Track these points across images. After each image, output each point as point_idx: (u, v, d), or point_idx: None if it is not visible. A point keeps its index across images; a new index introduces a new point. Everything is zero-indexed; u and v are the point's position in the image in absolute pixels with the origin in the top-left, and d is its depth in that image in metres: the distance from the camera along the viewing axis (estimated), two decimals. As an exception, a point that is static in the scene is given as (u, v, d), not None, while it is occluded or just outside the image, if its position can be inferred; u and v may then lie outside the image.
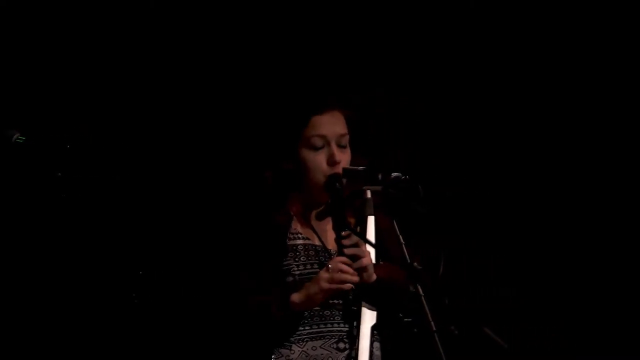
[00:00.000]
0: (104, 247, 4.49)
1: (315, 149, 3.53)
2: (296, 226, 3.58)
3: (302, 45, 4.80)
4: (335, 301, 3.48)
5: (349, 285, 3.37)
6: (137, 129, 4.65)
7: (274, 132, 3.65)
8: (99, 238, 4.48)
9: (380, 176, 3.40)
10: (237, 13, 4.75)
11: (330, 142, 3.53)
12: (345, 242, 3.39)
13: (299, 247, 3.54)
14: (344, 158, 3.53)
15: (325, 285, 3.35)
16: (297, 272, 3.49)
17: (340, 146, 3.54)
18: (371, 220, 3.48)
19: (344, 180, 3.49)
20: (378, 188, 3.41)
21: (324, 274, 3.37)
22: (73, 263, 4.47)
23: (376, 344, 3.52)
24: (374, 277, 3.44)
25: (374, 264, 3.47)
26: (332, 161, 3.51)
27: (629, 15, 4.92)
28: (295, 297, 3.40)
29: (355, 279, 3.37)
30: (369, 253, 3.42)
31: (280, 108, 3.76)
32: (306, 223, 3.59)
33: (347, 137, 3.57)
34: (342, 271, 3.36)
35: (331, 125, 3.55)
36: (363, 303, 3.43)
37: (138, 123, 4.65)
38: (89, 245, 4.47)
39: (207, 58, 4.72)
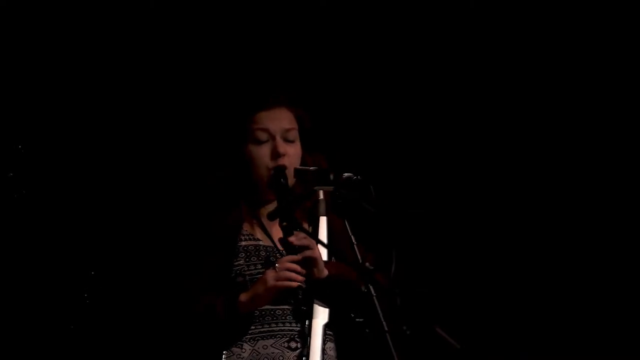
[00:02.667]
0: (55, 248, 4.48)
1: (259, 142, 3.53)
2: (247, 228, 3.57)
3: (250, 42, 4.81)
4: (287, 305, 3.47)
5: (295, 283, 3.35)
6: (88, 129, 4.64)
7: (220, 130, 3.65)
8: (51, 238, 4.48)
9: (332, 176, 3.40)
10: (185, 10, 4.75)
11: (274, 135, 3.53)
12: (292, 239, 3.38)
13: (250, 248, 3.53)
14: (290, 152, 3.53)
15: (271, 283, 3.34)
16: (248, 273, 3.48)
17: (287, 141, 3.55)
18: (323, 221, 3.48)
19: (293, 179, 3.49)
20: (330, 188, 3.41)
21: (270, 273, 3.36)
22: (24, 263, 4.46)
23: (330, 344, 3.51)
24: (325, 272, 3.43)
25: (326, 262, 3.46)
26: (275, 154, 3.51)
27: (629, 15, 4.93)
28: (243, 296, 3.39)
29: (301, 278, 3.36)
30: (317, 247, 3.41)
31: (226, 105, 3.75)
32: (257, 224, 3.58)
33: (295, 131, 3.57)
34: (288, 269, 3.35)
35: (276, 120, 3.56)
36: (315, 301, 3.43)
37: (89, 123, 4.65)
38: (40, 245, 4.46)
39: (157, 58, 4.73)
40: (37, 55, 4.56)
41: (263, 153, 3.52)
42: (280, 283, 3.35)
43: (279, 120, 3.56)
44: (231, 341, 3.44)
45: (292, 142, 3.55)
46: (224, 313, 3.37)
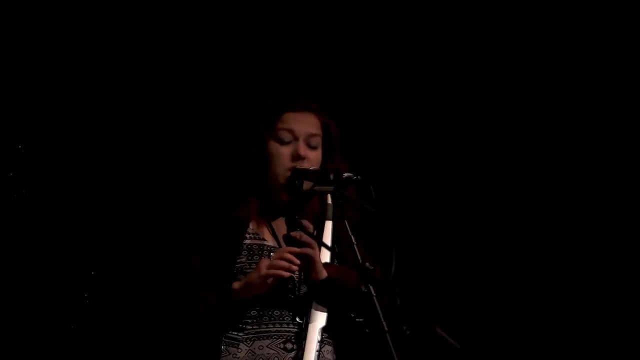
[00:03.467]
0: (55, 248, 4.48)
1: (282, 142, 3.54)
2: (253, 227, 3.57)
3: (290, 46, 4.84)
4: (285, 306, 3.48)
5: (287, 273, 3.35)
6: (88, 129, 4.65)
7: (242, 125, 3.64)
8: (51, 238, 4.48)
9: (332, 176, 3.42)
10: (211, 9, 4.76)
11: (298, 138, 3.54)
12: (295, 233, 3.38)
13: (254, 246, 3.53)
14: (311, 157, 3.53)
15: (263, 270, 3.34)
16: (249, 271, 3.46)
17: (310, 146, 3.55)
18: (329, 225, 3.48)
19: (309, 183, 3.49)
20: (330, 188, 3.41)
21: (264, 261, 3.37)
22: (24, 263, 4.46)
23: (328, 347, 3.51)
24: (324, 273, 3.43)
25: (326, 263, 3.46)
26: (296, 156, 3.51)
27: (629, 15, 4.93)
28: (236, 284, 3.40)
29: (295, 267, 3.35)
30: (316, 247, 3.41)
31: (257, 101, 3.74)
32: (263, 223, 3.59)
33: (319, 138, 3.58)
34: (283, 258, 3.35)
35: (302, 123, 3.57)
36: (313, 304, 3.42)
37: (89, 123, 4.65)
38: (40, 245, 4.46)
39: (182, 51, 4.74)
40: (37, 55, 4.56)
41: (284, 153, 3.53)
42: (272, 271, 3.34)
43: (306, 124, 3.57)
44: (224, 332, 3.43)
45: (314, 148, 3.56)
46: (217, 300, 3.37)
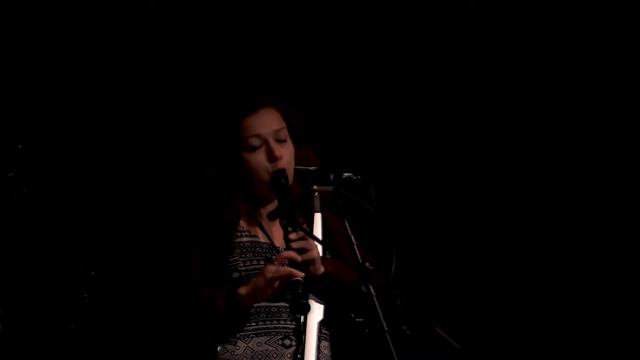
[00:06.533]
0: (55, 248, 4.48)
1: (254, 149, 3.55)
2: (243, 224, 3.59)
3: (230, 46, 4.82)
4: (283, 302, 3.48)
5: (294, 275, 3.35)
6: (87, 129, 4.65)
7: (212, 141, 3.65)
8: (51, 238, 4.48)
9: (331, 176, 3.42)
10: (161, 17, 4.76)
11: (267, 139, 3.55)
12: (292, 236, 3.40)
13: (245, 244, 3.55)
14: (284, 152, 3.55)
15: (270, 275, 3.35)
16: (243, 269, 3.49)
17: (279, 141, 3.56)
18: (318, 218, 3.50)
19: (290, 178, 3.52)
20: (329, 188, 3.42)
21: (270, 266, 3.37)
22: (24, 263, 4.46)
23: (324, 343, 3.52)
24: (321, 269, 3.45)
25: (322, 258, 3.47)
26: (272, 157, 3.52)
27: (629, 15, 4.93)
28: (243, 289, 3.39)
29: (301, 273, 3.36)
30: (316, 247, 3.43)
31: (214, 114, 3.76)
32: (254, 221, 3.60)
33: (285, 130, 3.59)
34: (287, 258, 3.37)
35: (265, 123, 3.57)
36: (310, 296, 3.43)
37: (88, 123, 4.65)
38: (40, 245, 4.46)
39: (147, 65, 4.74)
40: (37, 55, 4.56)
41: (260, 159, 3.54)
42: (278, 275, 3.35)
43: (268, 123, 3.57)
44: (228, 335, 3.45)
45: (284, 141, 3.57)
46: (225, 306, 3.38)
